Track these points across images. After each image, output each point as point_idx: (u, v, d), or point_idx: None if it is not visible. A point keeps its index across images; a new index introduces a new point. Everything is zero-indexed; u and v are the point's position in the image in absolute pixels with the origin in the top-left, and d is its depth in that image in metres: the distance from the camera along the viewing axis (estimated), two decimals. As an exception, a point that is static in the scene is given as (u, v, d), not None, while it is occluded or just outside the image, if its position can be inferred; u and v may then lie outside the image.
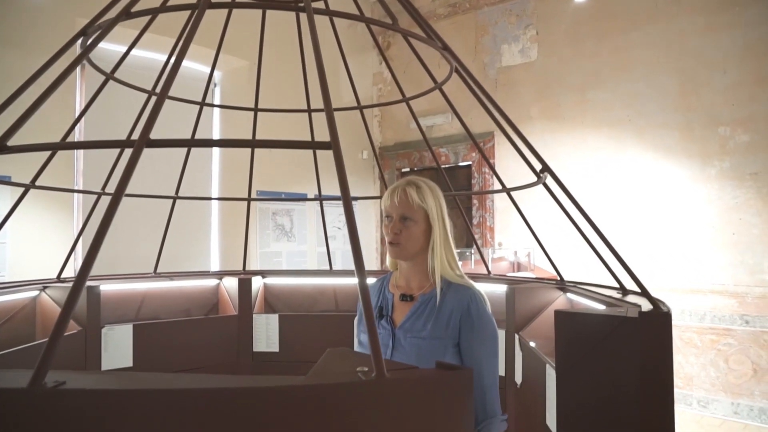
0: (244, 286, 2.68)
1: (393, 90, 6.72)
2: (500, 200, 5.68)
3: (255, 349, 2.66)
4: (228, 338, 2.62)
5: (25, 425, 0.59)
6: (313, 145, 0.90)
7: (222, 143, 0.86)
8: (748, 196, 3.80)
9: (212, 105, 2.59)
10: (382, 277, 1.57)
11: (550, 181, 1.76)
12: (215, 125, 5.29)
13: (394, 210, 1.41)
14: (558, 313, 1.33)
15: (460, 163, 6.17)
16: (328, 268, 3.26)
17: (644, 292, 1.26)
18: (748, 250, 3.81)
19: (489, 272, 2.64)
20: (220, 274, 2.88)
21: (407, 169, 6.82)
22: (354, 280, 2.95)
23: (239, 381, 0.66)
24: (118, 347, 2.22)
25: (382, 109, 6.85)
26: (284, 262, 5.74)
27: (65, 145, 0.91)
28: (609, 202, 4.32)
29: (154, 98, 2.31)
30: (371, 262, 6.84)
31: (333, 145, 0.89)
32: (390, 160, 6.90)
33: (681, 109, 4.14)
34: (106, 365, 2.18)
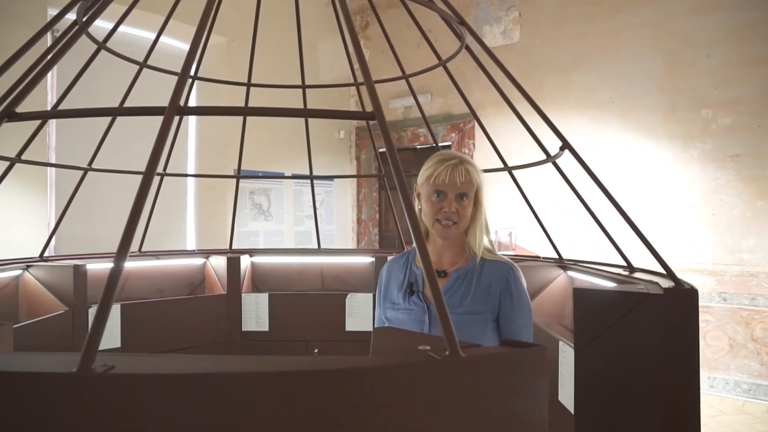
0: (233, 264, 2.62)
1: (371, 70, 6.60)
2: (479, 180, 5.68)
3: (244, 329, 2.61)
4: (217, 318, 2.55)
5: (76, 411, 0.54)
6: (357, 116, 0.85)
7: (269, 112, 0.80)
8: (729, 177, 3.89)
9: (206, 79, 2.48)
10: (405, 252, 1.54)
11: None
12: (191, 102, 5.12)
13: (453, 188, 1.36)
14: (577, 290, 1.33)
15: (440, 144, 6.14)
16: (304, 247, 3.20)
17: (668, 272, 1.26)
18: (727, 231, 3.92)
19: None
20: (207, 253, 2.81)
21: (383, 150, 6.76)
22: (341, 259, 2.92)
23: (300, 364, 0.62)
24: (105, 327, 2.13)
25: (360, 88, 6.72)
26: (261, 242, 5.65)
27: (81, 112, 0.84)
28: (591, 183, 4.35)
29: (144, 71, 2.20)
30: (348, 242, 6.79)
31: (377, 114, 0.85)
32: (367, 140, 6.83)
33: (666, 90, 4.18)
34: (93, 347, 2.09)
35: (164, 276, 2.63)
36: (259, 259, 2.86)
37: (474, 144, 5.75)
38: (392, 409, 0.58)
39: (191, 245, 5.17)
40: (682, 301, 1.25)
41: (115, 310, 2.19)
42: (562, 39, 4.81)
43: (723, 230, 3.94)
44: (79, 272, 2.05)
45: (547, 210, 3.21)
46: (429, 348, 0.71)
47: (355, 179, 6.91)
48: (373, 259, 2.76)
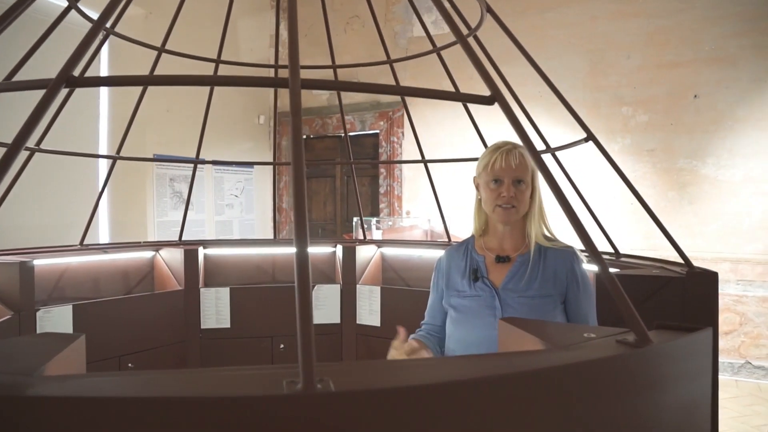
0: (191, 257, 2.42)
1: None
2: (408, 169, 5.75)
3: (203, 326, 2.43)
4: (174, 315, 2.36)
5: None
6: (477, 99, 0.79)
7: (373, 88, 0.74)
8: (645, 170, 4.26)
9: (175, 53, 2.25)
10: (463, 241, 1.54)
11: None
12: (104, 74, 4.65)
13: (509, 173, 1.38)
14: (599, 276, 1.37)
15: (367, 131, 6.12)
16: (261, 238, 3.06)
17: (684, 259, 1.34)
18: (643, 219, 4.26)
19: (449, 239, 2.67)
20: (157, 245, 2.57)
21: (304, 136, 6.61)
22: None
23: (495, 367, 0.57)
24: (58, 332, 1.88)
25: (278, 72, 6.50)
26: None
27: (150, 79, 0.70)
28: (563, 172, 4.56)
29: (107, 36, 1.95)
30: (267, 231, 6.58)
31: (497, 98, 0.79)
32: (289, 125, 6.63)
33: (590, 88, 4.48)
34: (44, 354, 1.84)
35: (108, 271, 2.38)
36: (211, 251, 2.67)
37: (403, 132, 5.80)
38: (589, 402, 0.56)
39: (104, 237, 4.72)
40: (703, 283, 1.35)
41: (67, 312, 1.94)
42: (493, 32, 4.95)
43: (639, 218, 4.30)
44: (25, 269, 1.79)
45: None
46: (594, 336, 0.70)
47: (272, 165, 6.70)
48: (335, 249, 2.69)
